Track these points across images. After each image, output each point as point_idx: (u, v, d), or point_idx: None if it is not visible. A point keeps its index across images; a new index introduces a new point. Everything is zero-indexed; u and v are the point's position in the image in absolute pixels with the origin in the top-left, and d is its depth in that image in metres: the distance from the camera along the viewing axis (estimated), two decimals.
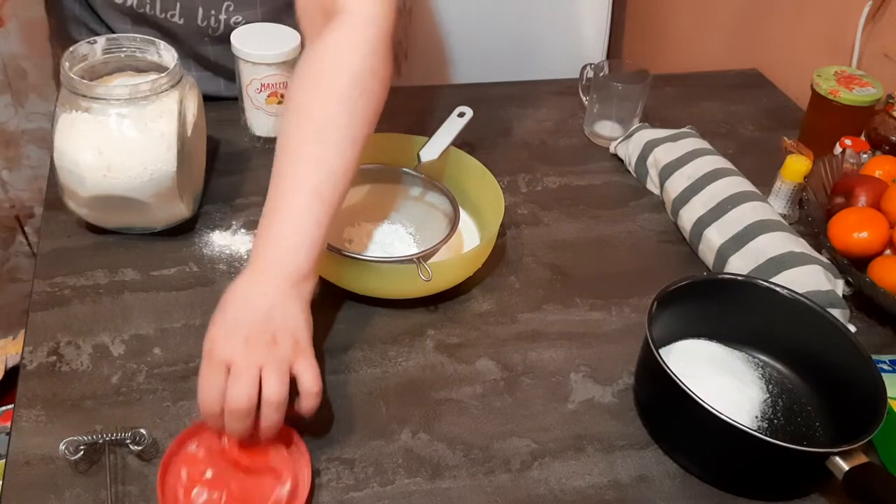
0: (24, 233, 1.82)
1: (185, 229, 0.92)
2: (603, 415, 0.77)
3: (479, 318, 0.86)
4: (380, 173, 0.95)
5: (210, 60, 1.12)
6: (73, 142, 0.82)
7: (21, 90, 2.03)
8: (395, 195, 0.95)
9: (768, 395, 0.77)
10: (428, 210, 0.93)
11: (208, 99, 0.99)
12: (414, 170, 0.93)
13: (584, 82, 1.20)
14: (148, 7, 1.04)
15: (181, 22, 1.06)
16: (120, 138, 0.82)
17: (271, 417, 0.64)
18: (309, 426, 0.73)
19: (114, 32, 1.05)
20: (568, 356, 0.82)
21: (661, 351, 0.71)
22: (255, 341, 0.65)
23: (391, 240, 0.90)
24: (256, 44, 0.99)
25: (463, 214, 0.96)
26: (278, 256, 0.70)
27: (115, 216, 0.89)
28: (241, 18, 1.07)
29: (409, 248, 0.89)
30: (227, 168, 1.03)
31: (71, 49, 0.84)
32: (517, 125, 1.18)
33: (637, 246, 0.98)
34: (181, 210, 0.90)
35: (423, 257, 0.81)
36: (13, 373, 1.50)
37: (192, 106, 0.89)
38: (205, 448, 0.67)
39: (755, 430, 0.67)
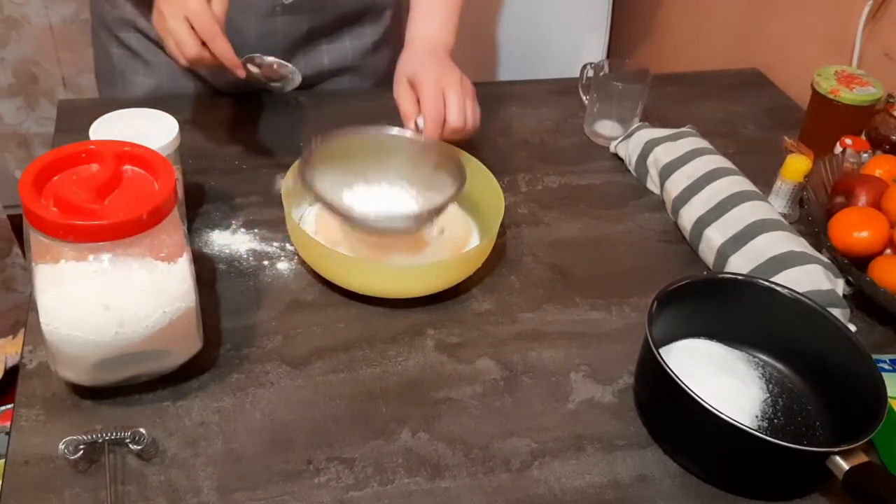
0: (20, 245, 1.83)
1: None
2: (603, 414, 0.77)
3: (479, 317, 0.86)
4: (381, 138, 0.93)
5: (278, 35, 1.09)
6: (68, 300, 0.67)
7: (32, 94, 2.04)
8: (398, 159, 0.93)
9: (768, 395, 0.77)
10: (431, 174, 0.91)
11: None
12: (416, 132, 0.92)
13: (584, 82, 1.20)
14: None
15: None
16: (125, 283, 0.67)
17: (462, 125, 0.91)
18: (309, 426, 0.73)
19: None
20: (568, 356, 0.82)
21: (661, 350, 0.71)
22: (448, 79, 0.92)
23: (394, 202, 0.89)
24: None
25: (463, 214, 0.96)
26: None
27: (124, 371, 0.73)
28: None
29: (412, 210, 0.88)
30: (228, 167, 1.03)
31: None
32: (517, 125, 1.18)
33: (637, 245, 0.98)
34: (197, 344, 0.77)
35: (433, 213, 0.81)
36: (13, 372, 1.50)
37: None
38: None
39: (755, 430, 0.67)
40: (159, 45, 1.11)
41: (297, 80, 0.95)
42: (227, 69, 0.85)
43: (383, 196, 0.90)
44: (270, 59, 0.93)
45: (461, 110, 0.90)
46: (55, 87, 2.04)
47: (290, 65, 0.94)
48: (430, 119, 0.89)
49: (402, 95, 0.93)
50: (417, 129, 0.92)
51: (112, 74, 1.17)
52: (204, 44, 0.83)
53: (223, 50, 0.83)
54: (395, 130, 0.93)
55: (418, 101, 0.91)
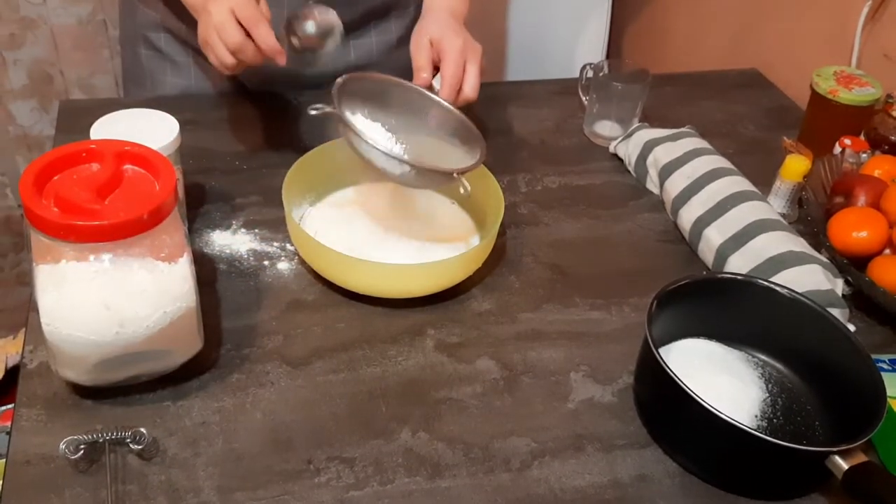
0: None
1: None
2: (603, 414, 0.77)
3: (479, 317, 0.86)
4: (408, 93, 0.93)
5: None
6: (68, 300, 0.67)
7: (46, 95, 2.03)
8: (417, 120, 0.93)
9: (768, 395, 0.78)
10: (445, 144, 0.91)
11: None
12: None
13: (583, 82, 1.20)
14: None
15: None
16: (126, 283, 0.67)
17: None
18: (309, 426, 0.73)
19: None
20: (568, 356, 0.82)
21: (660, 350, 0.71)
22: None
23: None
24: None
25: (463, 214, 0.96)
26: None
27: (125, 371, 0.73)
28: None
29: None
30: (229, 167, 1.03)
31: None
32: (517, 125, 1.18)
33: (637, 245, 0.98)
34: (197, 344, 0.77)
35: (461, 173, 0.82)
36: (14, 372, 1.50)
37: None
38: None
39: (755, 430, 0.67)
40: (188, 44, 1.12)
41: (339, 33, 0.91)
42: (268, 60, 0.87)
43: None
44: (310, 24, 0.89)
45: (478, 83, 0.94)
46: (69, 89, 2.03)
47: (331, 14, 0.90)
48: (449, 84, 0.93)
49: (421, 50, 0.96)
50: (431, 89, 0.94)
51: (141, 76, 1.18)
52: (248, 35, 0.86)
53: (265, 35, 0.86)
54: (422, 90, 0.94)
55: (434, 65, 0.95)
